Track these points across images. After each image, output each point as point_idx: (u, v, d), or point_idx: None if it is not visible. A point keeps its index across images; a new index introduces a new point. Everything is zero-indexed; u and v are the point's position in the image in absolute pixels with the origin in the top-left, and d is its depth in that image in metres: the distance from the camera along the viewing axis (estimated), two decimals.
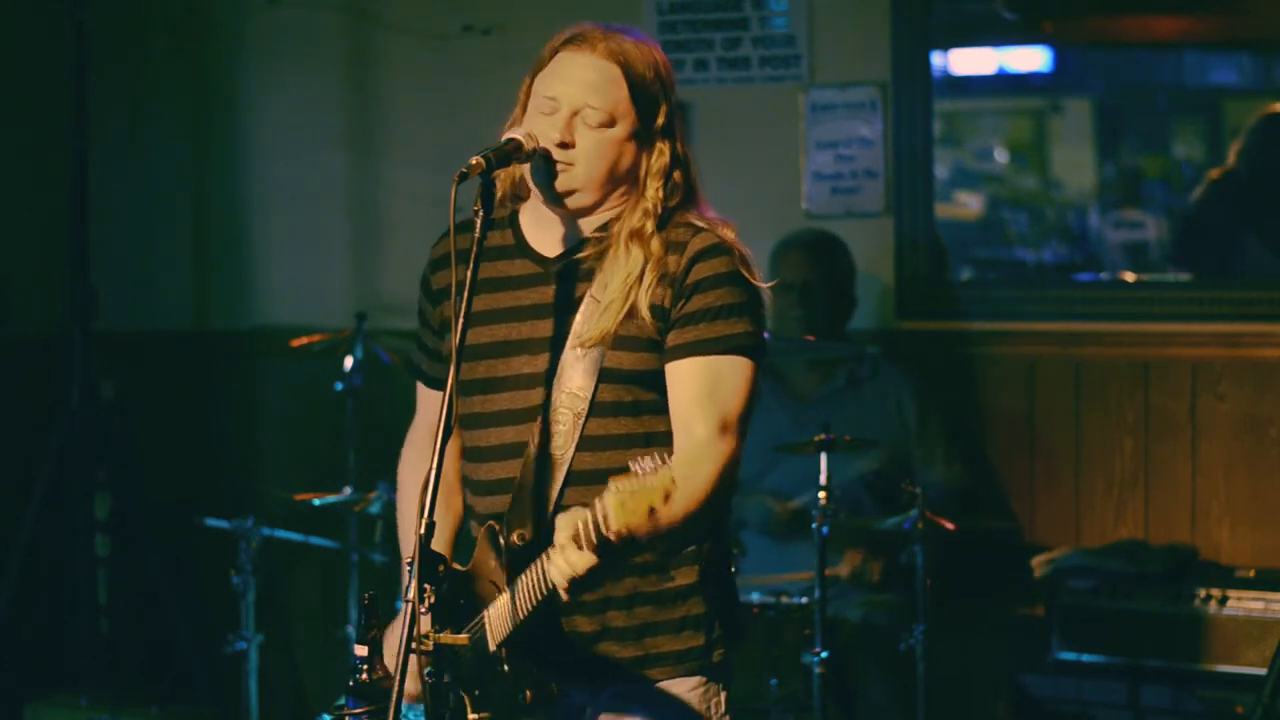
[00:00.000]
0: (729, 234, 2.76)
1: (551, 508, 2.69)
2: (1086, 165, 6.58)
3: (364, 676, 2.58)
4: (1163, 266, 5.78)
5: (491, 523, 2.72)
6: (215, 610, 5.17)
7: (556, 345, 2.75)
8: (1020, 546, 4.95)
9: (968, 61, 5.92)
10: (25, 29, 5.57)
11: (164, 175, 5.84)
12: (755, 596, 4.41)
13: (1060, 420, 5.02)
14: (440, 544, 2.68)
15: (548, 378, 2.74)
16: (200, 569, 5.40)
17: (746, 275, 2.73)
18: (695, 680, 2.80)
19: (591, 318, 2.72)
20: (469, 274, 2.60)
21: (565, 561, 2.46)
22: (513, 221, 2.84)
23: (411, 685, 2.56)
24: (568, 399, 2.72)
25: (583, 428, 2.71)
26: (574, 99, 2.70)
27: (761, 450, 4.58)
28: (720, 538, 2.85)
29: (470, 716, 2.58)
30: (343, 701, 2.61)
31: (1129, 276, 5.67)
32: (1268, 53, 5.90)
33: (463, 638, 2.52)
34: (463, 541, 2.88)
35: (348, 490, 4.97)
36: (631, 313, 2.70)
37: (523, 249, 2.82)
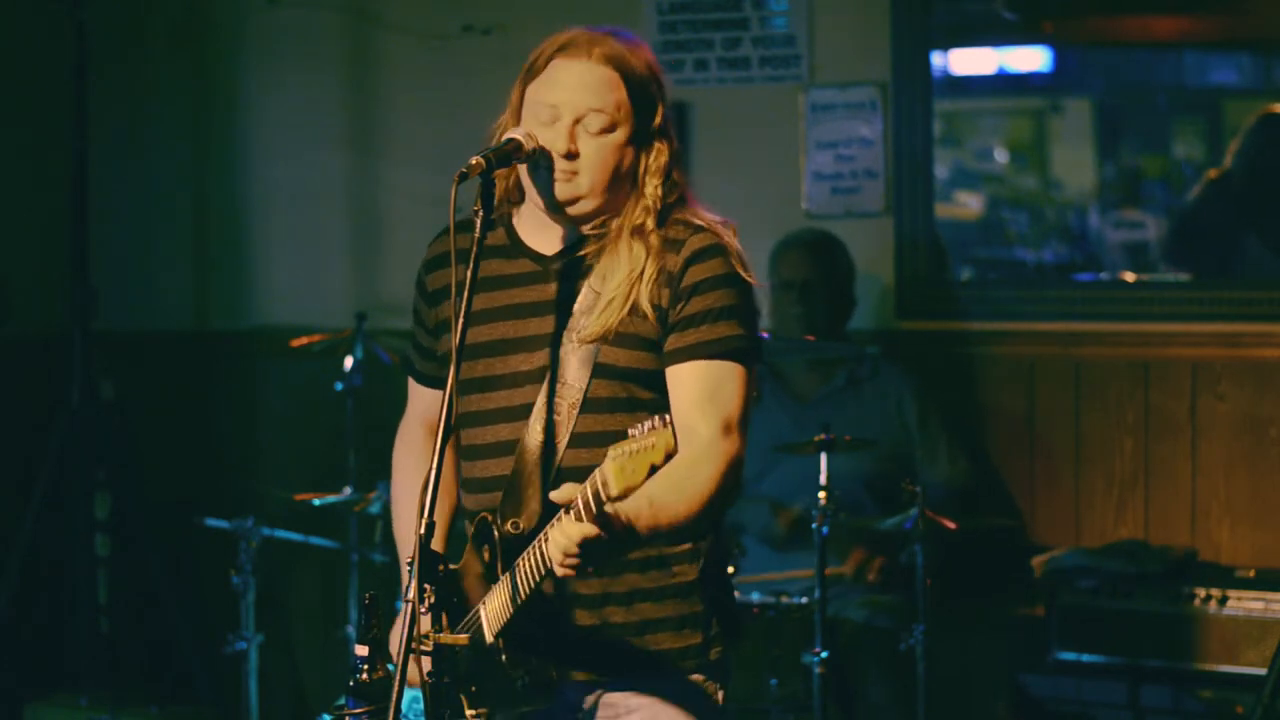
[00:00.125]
0: (725, 233, 2.77)
1: (543, 500, 2.70)
2: (1086, 165, 6.58)
3: (364, 676, 2.58)
4: (1173, 264, 5.77)
5: (484, 514, 2.73)
6: (215, 610, 5.17)
7: (554, 342, 2.75)
8: (1020, 546, 4.95)
9: (968, 61, 5.92)
10: (25, 29, 5.57)
11: (164, 175, 5.84)
12: (755, 596, 4.41)
13: (1060, 420, 5.02)
14: (437, 539, 2.69)
15: (544, 374, 2.75)
16: (200, 569, 5.40)
17: (743, 275, 2.74)
18: (693, 678, 2.81)
19: (592, 313, 2.73)
20: (469, 273, 2.61)
21: (562, 533, 2.46)
22: (505, 223, 2.85)
23: (412, 672, 2.56)
24: (563, 393, 2.73)
25: (575, 422, 2.72)
26: (575, 106, 2.70)
27: (761, 450, 4.58)
28: (718, 536, 2.86)
29: (468, 713, 2.58)
30: (343, 701, 2.61)
31: (1129, 276, 5.67)
32: (1268, 53, 5.90)
33: (463, 637, 2.52)
34: (457, 539, 2.88)
35: (348, 490, 4.97)
36: (633, 309, 2.71)
37: (520, 248, 2.83)
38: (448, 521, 2.93)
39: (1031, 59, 6.23)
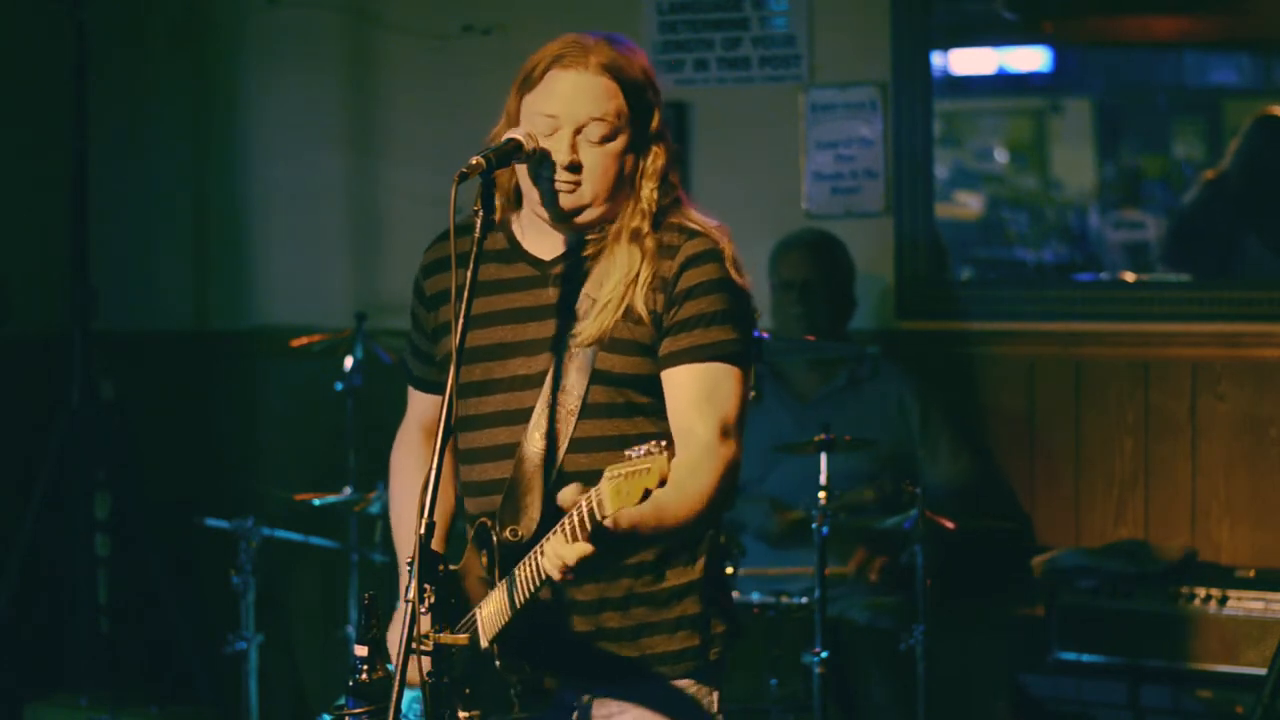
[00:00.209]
0: (721, 237, 2.77)
1: (543, 506, 2.70)
2: (1086, 165, 6.58)
3: (364, 676, 2.58)
4: (1171, 265, 5.77)
5: (483, 519, 2.74)
6: (215, 610, 5.17)
7: (552, 346, 2.76)
8: (1020, 546, 4.95)
9: (968, 61, 5.92)
10: (25, 29, 5.57)
11: (164, 175, 5.84)
12: (755, 596, 4.41)
13: (1060, 420, 5.02)
14: (436, 539, 2.69)
15: (543, 379, 2.76)
16: (200, 569, 5.40)
17: (737, 279, 2.75)
18: (690, 680, 2.81)
19: (588, 317, 2.73)
20: (469, 275, 2.61)
21: (555, 553, 2.47)
22: (504, 227, 2.85)
23: (411, 671, 2.56)
24: (561, 399, 2.73)
25: (574, 428, 2.73)
26: (576, 117, 2.70)
27: (762, 450, 4.58)
28: (715, 538, 2.86)
29: (461, 715, 2.58)
30: (343, 701, 2.61)
31: (1129, 276, 5.67)
32: (1268, 53, 5.90)
33: (463, 637, 2.53)
34: (455, 540, 2.89)
35: (348, 490, 4.97)
36: (628, 312, 2.72)
37: (518, 252, 2.83)
38: (447, 523, 2.94)
39: (1031, 59, 6.23)
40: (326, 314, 5.49)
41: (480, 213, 2.64)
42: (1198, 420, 4.89)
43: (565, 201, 2.72)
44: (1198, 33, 5.88)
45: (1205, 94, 6.40)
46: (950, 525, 4.29)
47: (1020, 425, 5.05)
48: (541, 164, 2.70)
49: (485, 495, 2.79)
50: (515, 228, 2.85)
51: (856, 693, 4.55)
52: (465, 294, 2.60)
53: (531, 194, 2.75)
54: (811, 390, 4.92)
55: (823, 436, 4.24)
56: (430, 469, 2.53)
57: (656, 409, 2.73)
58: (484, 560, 2.72)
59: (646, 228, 2.74)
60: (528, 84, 2.75)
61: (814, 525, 4.20)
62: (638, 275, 2.72)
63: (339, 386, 5.05)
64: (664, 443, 2.35)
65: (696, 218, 2.79)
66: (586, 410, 2.73)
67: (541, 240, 2.82)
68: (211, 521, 4.84)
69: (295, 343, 5.14)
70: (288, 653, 5.59)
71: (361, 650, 2.59)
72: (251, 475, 5.55)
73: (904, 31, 5.09)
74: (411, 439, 3.02)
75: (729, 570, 4.29)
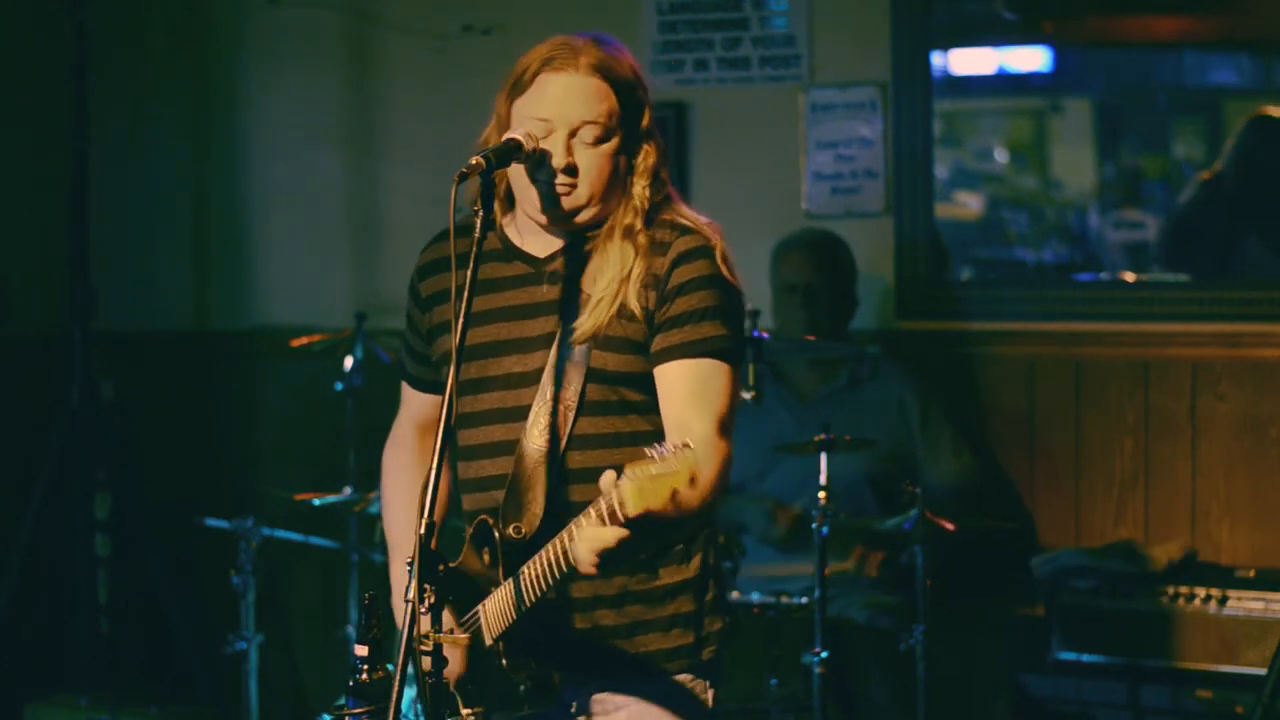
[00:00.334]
0: (712, 234, 2.78)
1: (545, 504, 2.71)
2: (1086, 165, 6.58)
3: (364, 676, 2.58)
4: (1167, 265, 5.77)
5: (484, 517, 2.74)
6: (215, 610, 5.17)
7: (548, 344, 2.77)
8: (1020, 546, 4.95)
9: (968, 61, 5.91)
10: (25, 29, 5.57)
11: (164, 175, 5.84)
12: (755, 596, 4.40)
13: (1060, 420, 5.02)
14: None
15: (538, 376, 2.76)
16: (200, 569, 5.40)
17: (728, 276, 2.75)
18: (684, 677, 2.82)
19: (583, 313, 2.74)
20: (469, 275, 2.61)
21: (593, 536, 2.41)
22: (491, 228, 2.85)
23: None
24: (558, 396, 2.74)
25: (573, 426, 2.73)
26: (569, 120, 2.71)
27: (762, 450, 4.58)
28: (710, 536, 2.86)
29: (463, 712, 2.58)
30: (343, 701, 2.61)
31: (1129, 276, 5.67)
32: (1268, 53, 5.90)
33: (464, 637, 2.53)
34: (446, 535, 2.89)
35: (348, 490, 4.97)
36: (621, 309, 2.73)
37: (513, 251, 2.84)
38: (440, 521, 2.94)
39: (1031, 59, 6.22)
40: (326, 314, 5.49)
41: (480, 212, 2.65)
42: (1198, 420, 4.89)
43: (564, 204, 2.73)
44: (1198, 33, 5.88)
45: (1205, 94, 6.40)
46: (950, 525, 4.29)
47: (1020, 425, 5.05)
48: (541, 164, 2.71)
49: (483, 491, 2.80)
50: (509, 228, 2.86)
51: (856, 693, 4.55)
52: (465, 293, 2.60)
53: (526, 196, 2.76)
54: (812, 390, 4.92)
55: (823, 436, 4.24)
56: (430, 468, 2.53)
57: (649, 406, 2.74)
58: (485, 558, 2.72)
59: (639, 224, 2.75)
60: (518, 88, 2.76)
61: (814, 525, 4.20)
62: (631, 271, 2.73)
63: (339, 386, 5.05)
64: (690, 441, 2.34)
65: (688, 214, 2.81)
66: (584, 407, 2.74)
67: (535, 239, 2.83)
68: (211, 521, 4.84)
69: (295, 343, 5.14)
70: (288, 653, 5.59)
71: (361, 650, 2.59)
72: (251, 475, 5.55)
73: (904, 31, 5.09)
74: (405, 437, 3.03)
75: (729, 569, 4.29)
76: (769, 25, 5.22)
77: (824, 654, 4.18)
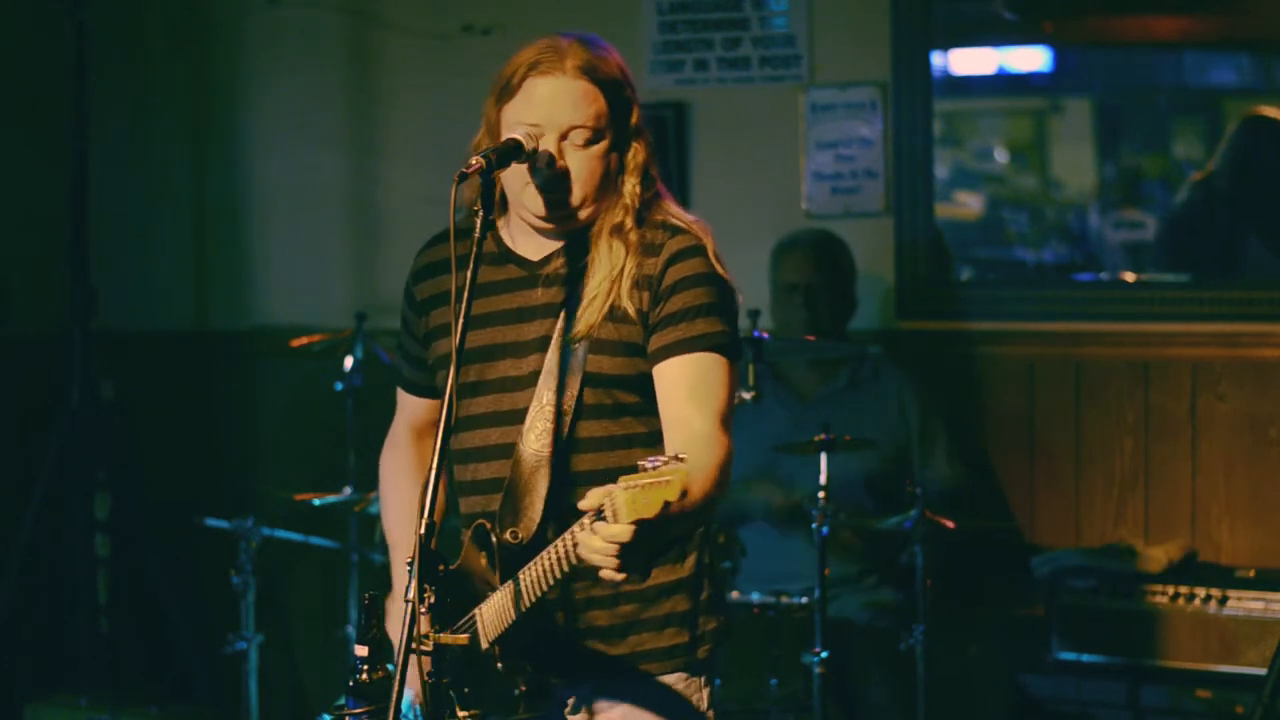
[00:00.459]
0: (702, 232, 2.78)
1: (542, 507, 2.71)
2: (1086, 165, 6.57)
3: (364, 676, 2.58)
4: (1163, 266, 5.77)
5: (481, 521, 2.74)
6: (215, 610, 5.18)
7: (542, 347, 2.77)
8: (1020, 546, 4.95)
9: (968, 61, 5.91)
10: (25, 29, 5.57)
11: (164, 175, 5.84)
12: (755, 596, 4.41)
13: (1060, 420, 5.02)
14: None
15: (533, 379, 2.76)
16: (200, 569, 5.40)
17: (721, 274, 2.76)
18: (678, 676, 2.82)
19: (576, 314, 2.74)
20: (468, 276, 2.61)
21: (607, 534, 2.36)
22: (491, 229, 2.85)
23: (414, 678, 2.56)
24: (554, 399, 2.74)
25: (570, 429, 2.73)
26: (559, 123, 2.71)
27: (762, 450, 4.58)
28: (706, 535, 2.86)
29: (460, 714, 2.58)
30: (343, 701, 2.61)
31: (1129, 276, 5.66)
32: (1268, 53, 5.89)
33: (463, 637, 2.52)
34: (445, 536, 2.89)
35: (348, 490, 4.97)
36: (614, 310, 2.73)
37: (507, 254, 2.84)
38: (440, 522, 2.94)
39: (1031, 59, 6.22)
40: (326, 314, 5.49)
41: (480, 213, 2.65)
42: (1198, 420, 4.89)
43: (556, 207, 2.73)
44: (1198, 33, 5.88)
45: (1205, 94, 6.39)
46: (950, 525, 4.29)
47: (1020, 425, 5.05)
48: (542, 164, 2.70)
49: (479, 494, 2.80)
50: (502, 232, 2.86)
51: (856, 693, 4.55)
52: (465, 294, 2.60)
53: (519, 198, 2.76)
54: (812, 390, 4.92)
55: (823, 436, 4.24)
56: (430, 469, 2.53)
57: (643, 409, 2.75)
58: (484, 561, 2.72)
59: (630, 223, 2.75)
60: (506, 93, 2.76)
61: (814, 525, 4.20)
62: (622, 269, 2.73)
63: (339, 386, 5.05)
64: (682, 455, 2.34)
65: (677, 213, 2.81)
66: (580, 411, 2.74)
67: (528, 242, 2.83)
68: (211, 521, 4.84)
69: (295, 343, 5.14)
70: (288, 653, 5.59)
71: (361, 650, 2.59)
72: (251, 475, 5.55)
73: (904, 31, 5.09)
74: (401, 440, 3.03)
75: (727, 568, 4.29)
76: (769, 25, 5.22)
77: (824, 654, 4.19)
